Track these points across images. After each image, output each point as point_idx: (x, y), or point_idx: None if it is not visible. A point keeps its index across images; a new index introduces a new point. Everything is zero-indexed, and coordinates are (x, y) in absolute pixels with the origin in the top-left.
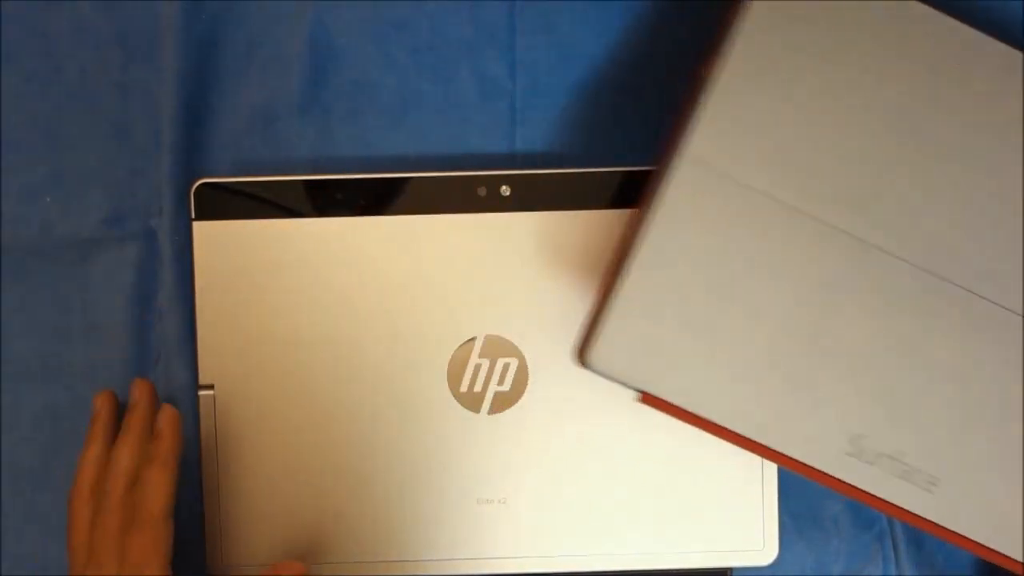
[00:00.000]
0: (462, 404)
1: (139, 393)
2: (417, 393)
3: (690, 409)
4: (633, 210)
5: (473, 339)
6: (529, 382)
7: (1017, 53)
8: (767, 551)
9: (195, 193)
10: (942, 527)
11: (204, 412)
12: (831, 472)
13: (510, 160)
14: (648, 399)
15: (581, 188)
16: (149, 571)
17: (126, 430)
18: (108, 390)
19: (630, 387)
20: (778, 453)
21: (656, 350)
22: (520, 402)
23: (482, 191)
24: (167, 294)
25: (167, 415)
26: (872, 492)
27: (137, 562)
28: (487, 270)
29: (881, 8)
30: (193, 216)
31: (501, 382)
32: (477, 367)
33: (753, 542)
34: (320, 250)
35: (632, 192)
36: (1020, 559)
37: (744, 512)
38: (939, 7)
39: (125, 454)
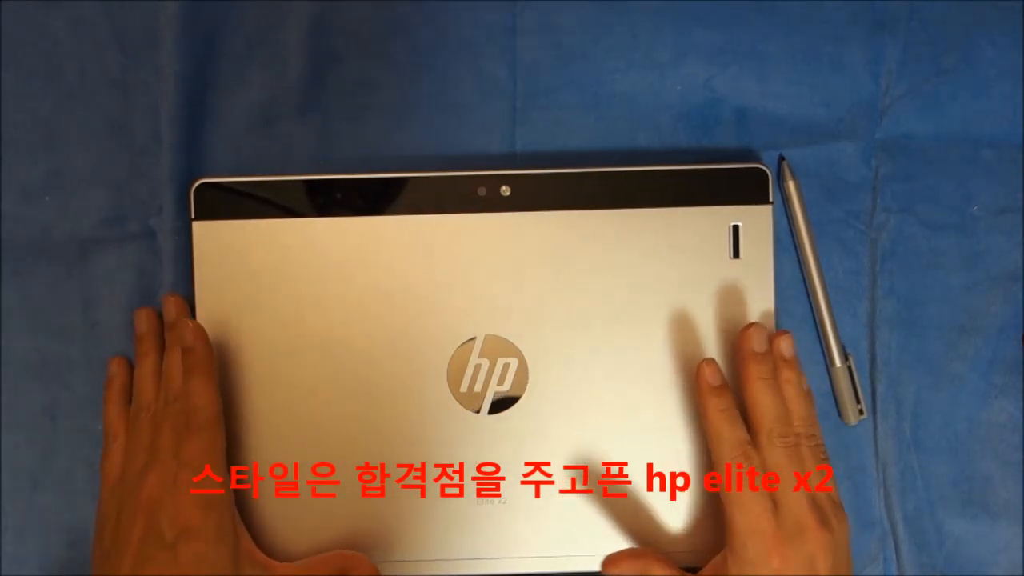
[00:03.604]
0: (462, 404)
1: (177, 310)
2: (417, 393)
3: None
4: None
5: (473, 339)
6: (529, 382)
7: None
8: None
9: (195, 193)
10: None
11: None
12: None
13: (510, 160)
14: None
15: (581, 188)
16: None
17: (174, 345)
18: (150, 308)
19: None
20: None
21: None
22: (520, 402)
23: (482, 191)
24: (167, 294)
25: (192, 328)
26: None
27: (195, 464)
28: (487, 270)
29: None
30: (193, 216)
31: (501, 382)
32: (477, 367)
33: None
34: (320, 250)
35: (632, 193)
36: None
37: None
38: None
39: (177, 369)
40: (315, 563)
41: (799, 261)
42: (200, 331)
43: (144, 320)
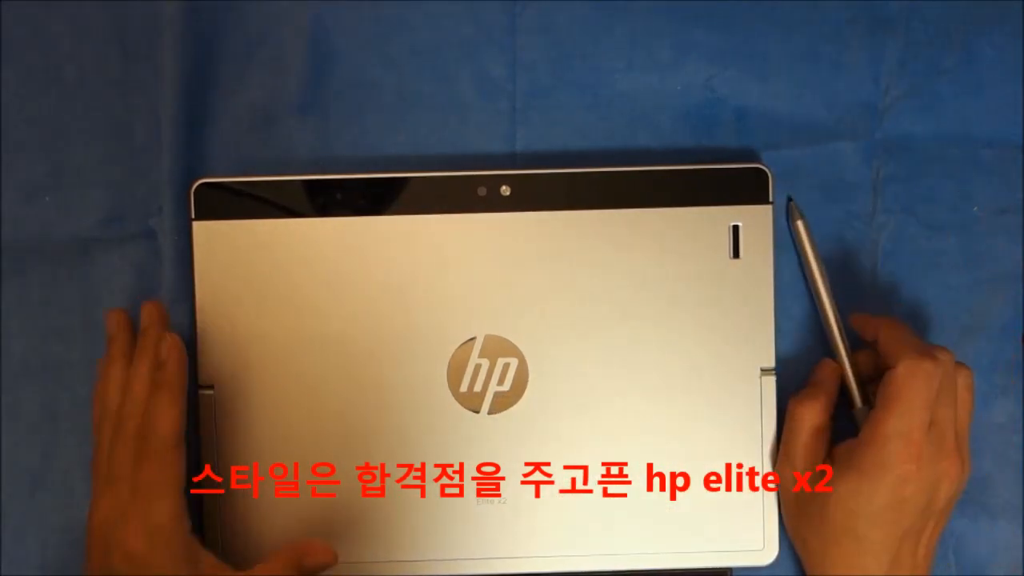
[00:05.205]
0: (462, 404)
1: (149, 317)
2: (417, 393)
3: None
4: None
5: (473, 339)
6: (529, 382)
7: None
8: (767, 551)
9: (195, 193)
10: None
11: (204, 412)
12: None
13: (510, 160)
14: None
15: (581, 188)
16: (158, 500)
17: (141, 355)
18: (120, 309)
19: None
20: None
21: None
22: (520, 402)
23: (482, 191)
24: (167, 294)
25: (169, 343)
26: None
27: (147, 492)
28: (487, 270)
29: None
30: (193, 216)
31: (501, 382)
32: (477, 367)
33: (753, 542)
34: (320, 250)
35: (632, 193)
36: None
37: (744, 512)
38: None
39: (139, 381)
40: (268, 565)
41: (811, 299)
42: (176, 346)
43: (115, 322)
